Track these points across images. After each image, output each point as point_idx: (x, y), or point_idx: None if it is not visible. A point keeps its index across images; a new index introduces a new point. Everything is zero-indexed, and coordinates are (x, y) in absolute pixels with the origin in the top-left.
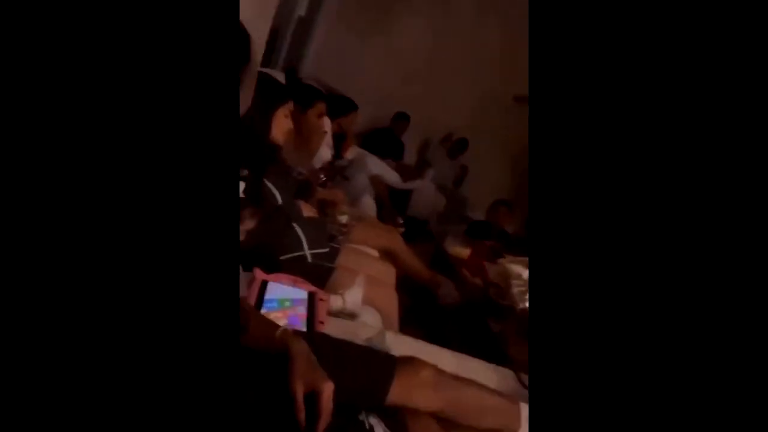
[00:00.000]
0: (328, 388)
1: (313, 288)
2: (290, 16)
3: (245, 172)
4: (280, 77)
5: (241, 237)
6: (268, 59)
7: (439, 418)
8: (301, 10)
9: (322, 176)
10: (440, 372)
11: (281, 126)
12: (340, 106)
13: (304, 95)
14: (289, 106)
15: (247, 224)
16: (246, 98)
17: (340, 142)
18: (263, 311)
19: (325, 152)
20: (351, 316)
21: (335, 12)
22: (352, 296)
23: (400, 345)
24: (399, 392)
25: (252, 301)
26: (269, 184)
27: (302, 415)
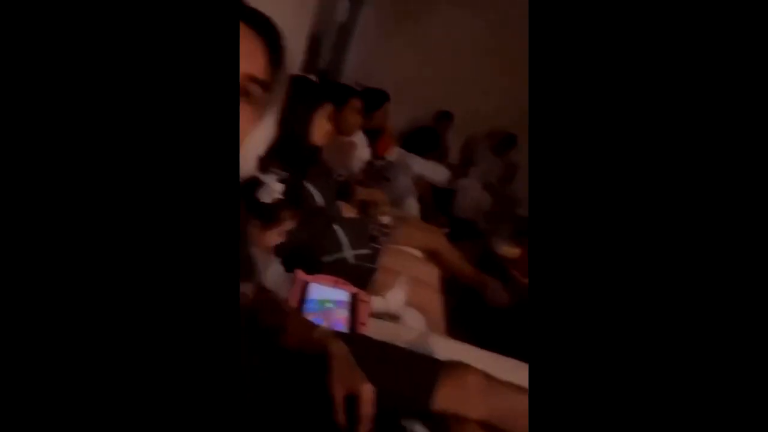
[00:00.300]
0: (368, 391)
1: (354, 289)
2: (330, 23)
3: (284, 174)
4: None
5: (281, 238)
6: (309, 65)
7: (486, 425)
8: (341, 16)
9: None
10: (488, 377)
11: (321, 128)
12: (372, 100)
13: (338, 94)
14: (328, 107)
15: (287, 225)
16: (276, 101)
17: (375, 138)
18: (304, 313)
19: (363, 151)
20: (393, 318)
21: (375, 16)
22: (395, 297)
23: (446, 348)
24: (444, 398)
25: (294, 302)
26: (309, 186)
27: (342, 419)
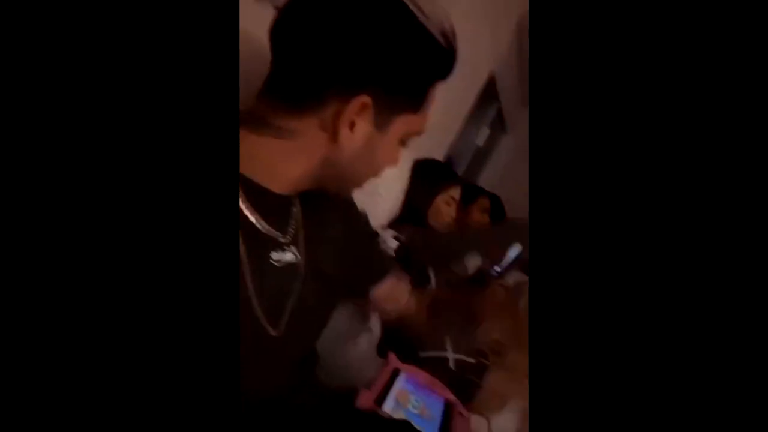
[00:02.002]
0: None
1: (452, 397)
2: (469, 145)
3: (402, 237)
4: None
5: (392, 314)
6: None
7: None
8: (481, 141)
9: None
10: None
11: (440, 212)
12: (498, 209)
13: (469, 191)
14: (452, 193)
15: (400, 302)
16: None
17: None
18: (384, 406)
19: (475, 258)
20: None
21: (513, 143)
22: (503, 426)
23: None
24: None
25: (378, 388)
26: (431, 273)
27: None
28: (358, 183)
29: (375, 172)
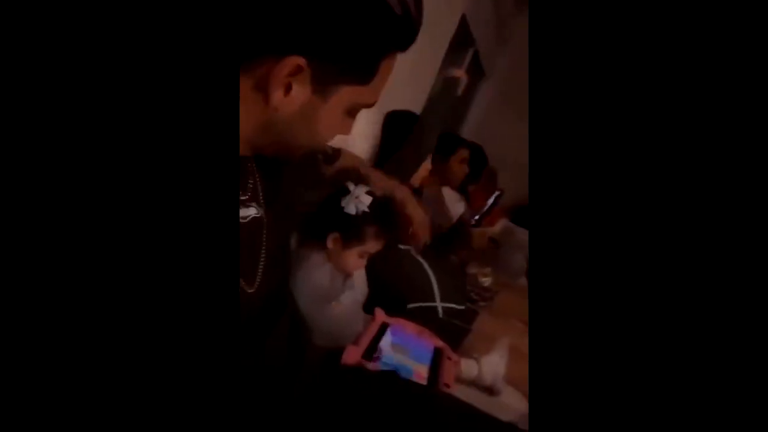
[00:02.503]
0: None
1: (441, 343)
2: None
3: (377, 190)
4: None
5: (362, 262)
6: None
7: None
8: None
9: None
10: None
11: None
12: (479, 157)
13: (446, 142)
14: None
15: (370, 246)
16: None
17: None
18: (374, 362)
19: (456, 206)
20: (488, 391)
21: (492, 90)
22: (491, 366)
23: None
24: None
25: (365, 344)
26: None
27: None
28: (300, 149)
29: (319, 141)
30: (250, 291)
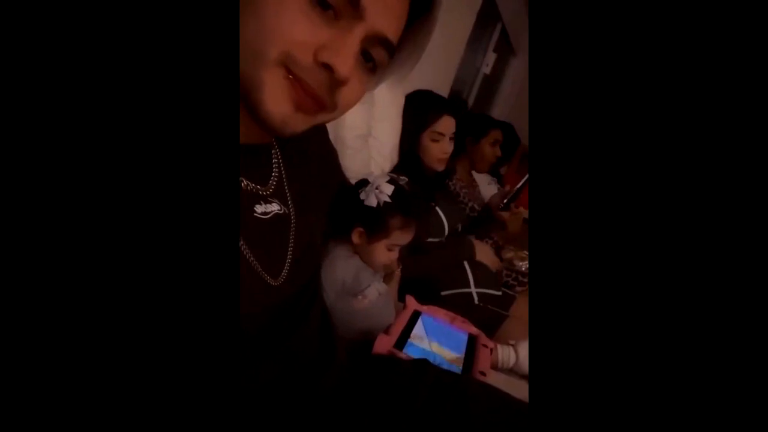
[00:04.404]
0: None
1: (475, 330)
2: (475, 75)
3: (400, 178)
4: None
5: (393, 255)
6: None
7: None
8: (487, 68)
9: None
10: None
11: (428, 151)
12: (511, 139)
13: (478, 123)
14: (439, 127)
15: (397, 238)
16: (404, 68)
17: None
18: (405, 350)
19: (488, 188)
20: (526, 378)
21: (523, 68)
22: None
23: None
24: None
25: (396, 332)
26: (439, 212)
27: None
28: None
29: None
30: (274, 284)
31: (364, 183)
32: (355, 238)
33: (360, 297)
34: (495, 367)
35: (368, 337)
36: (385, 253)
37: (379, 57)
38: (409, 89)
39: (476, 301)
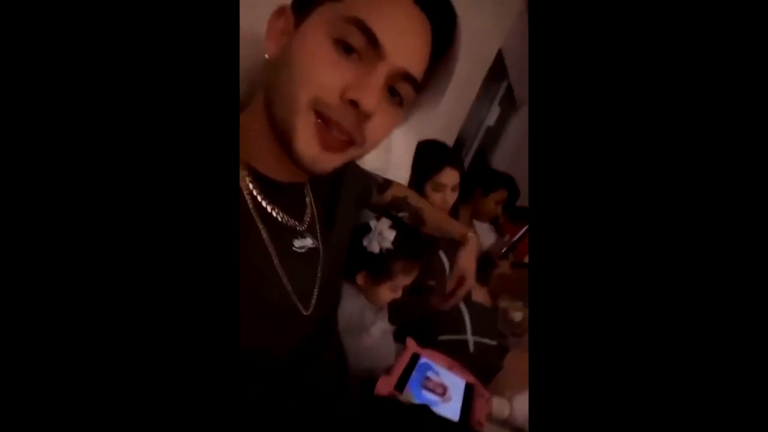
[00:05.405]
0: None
1: (472, 378)
2: (479, 125)
3: (401, 220)
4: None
5: (396, 294)
6: None
7: None
8: (490, 121)
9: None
10: None
11: (430, 200)
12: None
13: (489, 178)
14: (443, 178)
15: (401, 280)
16: (429, 104)
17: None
18: (407, 390)
19: (487, 236)
20: (519, 431)
21: (525, 121)
22: (524, 406)
23: None
24: None
25: (397, 374)
26: (442, 255)
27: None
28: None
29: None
30: (305, 314)
31: (365, 229)
32: (360, 280)
33: (365, 335)
34: (489, 418)
35: (371, 375)
36: (389, 293)
37: (404, 91)
38: (422, 136)
39: (471, 350)
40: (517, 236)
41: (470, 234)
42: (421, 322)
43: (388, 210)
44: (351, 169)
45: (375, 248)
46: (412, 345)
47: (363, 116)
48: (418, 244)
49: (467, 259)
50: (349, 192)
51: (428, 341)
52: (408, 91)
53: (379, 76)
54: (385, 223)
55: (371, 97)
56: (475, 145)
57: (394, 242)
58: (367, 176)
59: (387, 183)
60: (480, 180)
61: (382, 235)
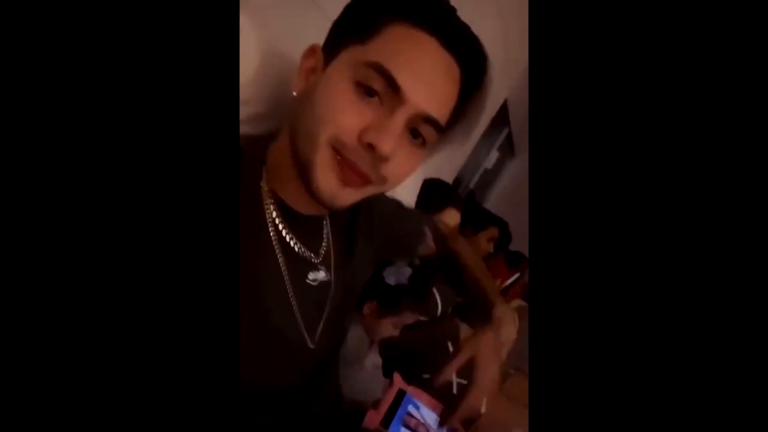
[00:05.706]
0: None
1: (457, 424)
2: (477, 167)
3: (418, 262)
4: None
5: (394, 331)
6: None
7: None
8: (489, 163)
9: None
10: None
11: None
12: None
13: (479, 217)
14: (445, 217)
15: (405, 317)
16: (456, 142)
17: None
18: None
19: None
20: None
21: (519, 167)
22: None
23: None
24: None
25: (383, 409)
26: (435, 292)
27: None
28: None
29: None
30: (311, 346)
31: (386, 262)
32: (366, 310)
33: (357, 366)
34: None
35: (359, 406)
36: (390, 329)
37: (426, 133)
38: (423, 173)
39: (454, 391)
40: (510, 281)
41: (502, 311)
42: (407, 357)
43: (434, 268)
44: (392, 208)
45: (391, 281)
46: (398, 380)
47: (379, 159)
48: (425, 285)
49: (487, 358)
50: (379, 231)
51: (412, 377)
52: (430, 133)
53: (399, 119)
54: (405, 261)
55: (388, 141)
56: (471, 186)
57: (409, 279)
58: (418, 222)
59: (440, 236)
60: (470, 219)
61: (402, 272)
